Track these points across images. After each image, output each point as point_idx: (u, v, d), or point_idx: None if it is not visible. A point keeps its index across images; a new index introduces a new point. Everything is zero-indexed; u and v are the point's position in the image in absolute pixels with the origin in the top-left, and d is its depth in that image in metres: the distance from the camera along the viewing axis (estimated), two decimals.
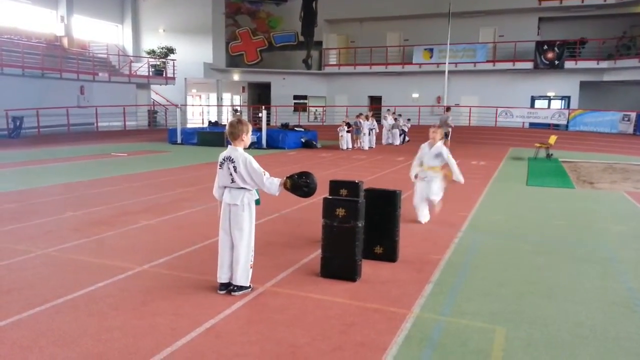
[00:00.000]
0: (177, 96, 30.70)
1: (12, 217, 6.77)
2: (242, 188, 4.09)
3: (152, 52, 28.70)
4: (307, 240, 5.82)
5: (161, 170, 12.21)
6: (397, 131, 22.64)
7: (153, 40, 30.58)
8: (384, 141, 22.50)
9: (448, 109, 22.01)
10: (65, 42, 26.98)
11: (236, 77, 32.20)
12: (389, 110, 24.92)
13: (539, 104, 27.99)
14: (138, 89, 28.21)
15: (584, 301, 4.14)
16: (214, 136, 19.38)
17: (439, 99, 29.08)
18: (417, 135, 24.33)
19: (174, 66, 28.99)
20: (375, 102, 31.14)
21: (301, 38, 31.96)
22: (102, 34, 30.50)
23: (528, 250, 5.70)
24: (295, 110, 31.75)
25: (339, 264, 4.50)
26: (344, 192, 5.47)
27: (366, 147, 19.83)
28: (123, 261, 4.88)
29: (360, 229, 4.46)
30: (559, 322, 3.71)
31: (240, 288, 4.06)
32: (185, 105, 31.11)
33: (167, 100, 30.19)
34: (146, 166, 12.96)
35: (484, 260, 5.27)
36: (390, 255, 5.07)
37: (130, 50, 31.56)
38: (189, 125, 28.04)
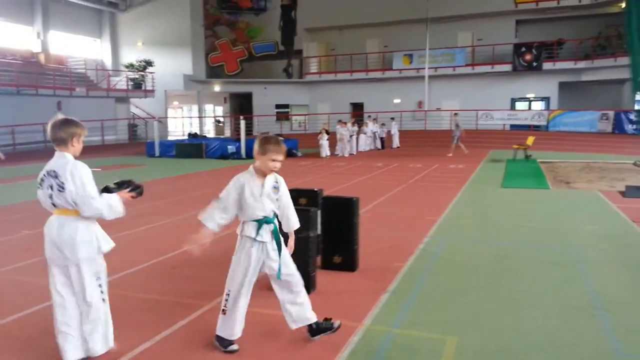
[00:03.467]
0: (157, 109, 30.42)
1: None
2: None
3: (130, 66, 28.45)
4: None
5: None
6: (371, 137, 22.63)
7: (132, 54, 30.35)
8: (364, 147, 22.43)
9: (456, 113, 22.06)
10: (42, 58, 26.66)
11: (217, 88, 32.02)
12: (369, 116, 24.90)
13: (519, 105, 28.13)
14: (117, 102, 27.91)
15: (542, 306, 4.00)
16: (192, 148, 19.17)
17: (420, 103, 29.15)
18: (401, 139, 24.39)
19: (152, 79, 28.75)
20: (357, 109, 31.12)
21: (281, 47, 31.94)
22: (80, 48, 30.21)
23: (493, 254, 5.56)
24: (278, 119, 31.62)
25: None
26: (303, 200, 5.36)
27: (346, 154, 19.71)
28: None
29: (313, 239, 4.29)
30: (514, 330, 3.56)
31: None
32: (166, 117, 30.86)
33: (148, 114, 29.91)
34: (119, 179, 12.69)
35: (447, 266, 5.12)
36: (349, 264, 4.90)
37: (109, 64, 31.28)
38: (170, 138, 27.79)
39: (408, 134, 26.01)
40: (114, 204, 3.13)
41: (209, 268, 5.07)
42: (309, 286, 4.27)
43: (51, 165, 3.04)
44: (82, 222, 3.05)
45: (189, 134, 23.18)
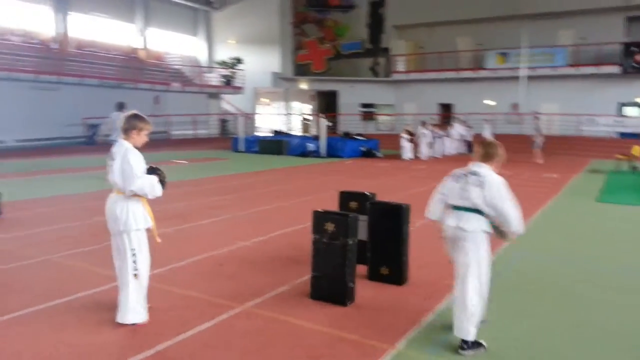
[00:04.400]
0: (247, 105, 31.41)
1: (41, 221, 6.95)
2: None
3: (222, 63, 29.56)
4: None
5: (210, 178, 12.29)
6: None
7: (224, 51, 31.55)
8: (450, 151, 21.49)
9: (537, 117, 20.67)
10: (142, 53, 28.47)
11: (303, 85, 32.37)
12: (456, 118, 23.85)
13: (628, 111, 25.52)
14: (209, 98, 29.13)
15: (616, 345, 3.40)
16: (273, 144, 19.44)
17: (515, 106, 27.46)
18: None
19: (242, 76, 29.66)
20: (445, 110, 30.01)
21: (368, 45, 31.55)
22: (177, 45, 31.90)
23: (571, 276, 4.92)
24: (363, 118, 31.33)
25: (328, 285, 4.06)
26: (353, 204, 5.08)
27: (428, 157, 18.93)
28: (110, 269, 4.74)
29: (351, 247, 3.99)
30: None
31: None
32: (254, 114, 31.72)
33: (237, 109, 30.93)
34: (198, 173, 13.12)
35: (512, 285, 4.59)
36: (396, 277, 4.53)
37: (203, 61, 32.75)
38: (257, 134, 28.52)
39: (500, 138, 24.27)
40: (155, 184, 3.53)
41: (252, 268, 4.94)
42: (346, 298, 3.99)
43: (112, 150, 3.56)
44: (124, 201, 3.50)
45: (273, 131, 23.55)
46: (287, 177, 12.85)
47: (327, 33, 31.83)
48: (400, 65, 31.29)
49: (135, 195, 3.51)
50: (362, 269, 4.70)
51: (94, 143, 21.81)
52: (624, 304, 4.20)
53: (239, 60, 29.62)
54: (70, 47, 24.84)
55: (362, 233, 4.75)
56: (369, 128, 30.51)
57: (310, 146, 18.57)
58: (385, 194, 9.61)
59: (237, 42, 31.84)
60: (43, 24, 24.51)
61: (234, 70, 29.68)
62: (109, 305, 3.87)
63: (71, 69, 22.68)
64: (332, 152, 18.65)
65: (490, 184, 3.18)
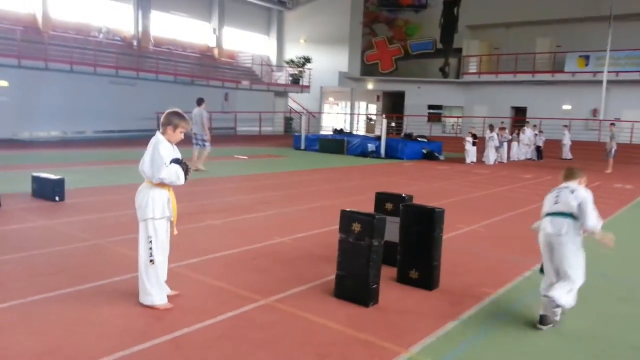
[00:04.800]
0: (313, 104, 31.74)
1: (103, 207, 7.42)
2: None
3: (290, 62, 30.06)
4: None
5: (265, 174, 12.56)
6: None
7: (294, 51, 32.07)
8: (518, 156, 20.61)
9: (613, 124, 19.38)
10: (216, 52, 29.54)
11: (370, 85, 32.24)
12: (528, 122, 22.82)
13: None
14: (276, 96, 29.73)
15: None
16: (333, 143, 19.53)
17: (594, 111, 25.85)
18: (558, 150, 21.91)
19: (309, 75, 30.01)
20: (519, 114, 28.79)
21: (439, 45, 30.87)
22: (249, 44, 32.81)
23: (615, 294, 4.59)
24: (429, 120, 30.72)
25: (352, 285, 4.04)
26: (389, 205, 5.03)
27: (492, 162, 18.25)
28: None
29: (376, 249, 3.95)
30: None
31: None
32: (320, 113, 32.00)
33: (303, 108, 31.35)
34: (255, 169, 13.46)
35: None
36: (426, 281, 4.43)
37: (274, 59, 33.46)
38: (322, 132, 28.78)
39: (578, 145, 23.23)
40: (180, 173, 3.69)
41: (284, 264, 5.01)
42: (368, 299, 3.96)
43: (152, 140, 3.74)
44: (147, 189, 3.70)
45: (334, 130, 23.64)
46: (341, 176, 12.87)
47: (396, 32, 31.49)
48: (473, 66, 30.36)
49: (161, 185, 3.68)
50: (392, 272, 4.66)
51: None
52: None
53: (307, 60, 30.00)
54: (150, 44, 26.24)
55: (394, 235, 4.72)
56: (436, 130, 29.89)
57: (370, 146, 18.47)
58: (436, 198, 9.42)
59: (307, 41, 32.28)
60: (125, 22, 26.06)
61: (301, 69, 30.10)
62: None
63: (149, 66, 23.96)
64: (392, 153, 18.44)
65: (579, 190, 3.77)
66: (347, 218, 4.08)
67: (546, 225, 3.79)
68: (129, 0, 25.88)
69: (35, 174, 8.06)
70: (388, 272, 4.68)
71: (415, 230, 4.48)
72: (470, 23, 30.06)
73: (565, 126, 22.03)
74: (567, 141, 21.23)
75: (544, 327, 3.68)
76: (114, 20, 25.57)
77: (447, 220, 7.35)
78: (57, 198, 7.59)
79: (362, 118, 35.43)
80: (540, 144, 20.82)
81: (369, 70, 31.82)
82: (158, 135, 3.74)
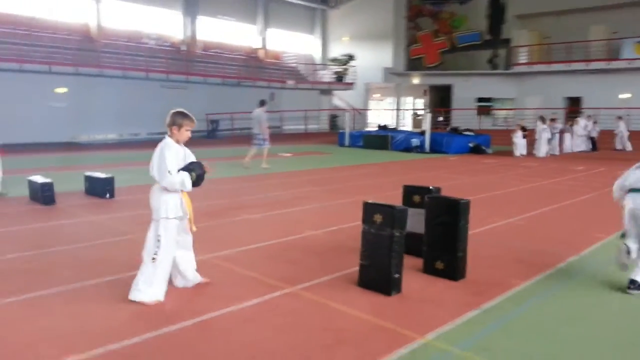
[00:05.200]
0: (358, 101, 31.74)
1: (145, 205, 7.80)
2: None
3: (334, 60, 30.20)
4: None
5: (307, 170, 12.76)
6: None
7: (338, 49, 32.19)
8: (571, 148, 19.87)
9: None
10: (261, 53, 30.10)
11: (415, 80, 31.89)
12: (582, 113, 21.93)
13: None
14: (321, 94, 29.96)
15: None
16: (377, 139, 19.50)
17: None
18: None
19: (354, 72, 30.05)
20: (573, 104, 27.69)
21: (487, 37, 30.12)
22: (294, 44, 33.20)
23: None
24: (478, 113, 30.06)
25: (374, 274, 4.13)
26: (416, 198, 5.08)
27: (540, 154, 17.67)
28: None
29: (398, 239, 4.01)
30: None
31: None
32: (365, 109, 31.96)
33: (349, 105, 31.42)
34: (298, 166, 13.69)
35: (575, 292, 4.27)
36: (451, 272, 4.45)
37: (317, 58, 33.71)
38: (368, 129, 28.77)
39: (636, 135, 22.17)
40: (185, 181, 3.77)
41: (314, 255, 5.15)
42: (390, 288, 4.04)
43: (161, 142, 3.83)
44: (159, 191, 3.81)
45: (378, 126, 23.59)
46: (382, 171, 12.89)
47: (442, 25, 31.00)
48: (523, 56, 29.44)
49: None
50: (419, 262, 4.71)
51: (215, 137, 23.66)
52: None
53: (351, 57, 30.06)
54: (198, 48, 27.09)
55: (420, 227, 4.77)
56: (486, 124, 29.22)
57: (414, 141, 18.31)
58: (478, 191, 9.31)
59: (351, 38, 32.30)
60: (174, 28, 27.01)
61: (345, 67, 30.18)
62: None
63: (198, 69, 24.75)
64: (437, 148, 18.20)
65: None
66: (370, 209, 4.17)
67: (630, 201, 4.29)
68: (178, 7, 26.81)
69: (87, 173, 8.59)
70: (414, 263, 4.74)
71: (441, 222, 4.51)
72: (519, 12, 29.19)
73: (620, 117, 20.99)
74: (622, 131, 20.23)
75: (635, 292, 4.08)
76: (164, 26, 26.56)
77: (485, 212, 7.33)
78: (107, 195, 8.06)
79: (409, 113, 35.09)
80: (595, 134, 19.94)
81: (413, 65, 31.50)
82: (166, 138, 3.82)
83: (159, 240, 3.76)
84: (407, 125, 33.27)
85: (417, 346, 3.20)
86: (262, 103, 12.80)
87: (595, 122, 20.27)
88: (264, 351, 3.09)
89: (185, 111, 3.87)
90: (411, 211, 5.07)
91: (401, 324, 3.52)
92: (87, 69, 20.44)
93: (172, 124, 3.81)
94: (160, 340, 3.23)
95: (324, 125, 29.79)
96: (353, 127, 28.43)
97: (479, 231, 6.34)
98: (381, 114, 36.57)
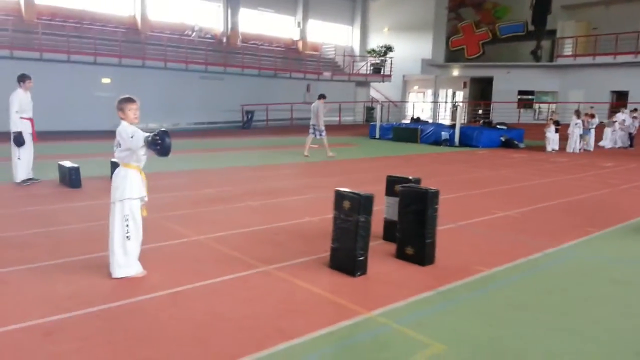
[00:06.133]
0: (396, 93, 31.67)
1: (167, 188, 8.38)
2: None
3: (372, 51, 30.21)
4: None
5: (327, 162, 13.08)
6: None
7: (378, 40, 32.15)
8: (607, 144, 19.30)
9: None
10: (300, 45, 30.49)
11: (455, 72, 31.48)
12: (622, 107, 21.16)
13: None
14: (357, 86, 30.08)
15: (597, 346, 3.24)
16: (407, 132, 19.54)
17: None
18: None
19: (391, 64, 29.97)
20: (620, 99, 26.65)
21: (531, 27, 29.32)
22: (334, 36, 33.40)
23: (614, 277, 4.54)
24: (519, 106, 29.41)
25: (343, 256, 4.44)
26: (397, 188, 5.33)
27: (576, 150, 17.28)
28: (189, 230, 5.72)
29: (363, 224, 4.31)
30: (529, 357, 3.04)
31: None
32: (403, 102, 31.83)
33: (386, 97, 31.40)
34: (320, 157, 14.01)
35: (536, 281, 4.43)
36: (419, 257, 4.70)
37: (357, 50, 33.78)
38: (404, 122, 28.73)
39: None
40: (141, 136, 4.05)
41: (301, 239, 5.50)
42: (355, 269, 4.35)
43: (117, 129, 4.16)
44: (123, 172, 4.15)
45: (411, 118, 23.55)
46: (402, 164, 13.04)
47: (484, 16, 30.43)
48: (568, 48, 28.53)
49: (135, 167, 4.18)
50: (393, 248, 4.98)
51: (249, 127, 24.32)
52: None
53: (389, 49, 29.99)
54: (238, 40, 27.77)
55: (394, 214, 5.05)
56: (526, 117, 28.58)
57: (444, 134, 18.25)
58: (488, 185, 9.39)
59: (390, 29, 32.19)
60: (216, 20, 27.78)
61: (383, 58, 30.15)
62: (168, 255, 4.81)
63: (236, 61, 25.43)
64: (467, 141, 18.08)
65: None
66: (340, 197, 4.48)
67: None
68: (219, 0, 27.55)
69: (113, 159, 9.22)
70: (391, 249, 5.02)
71: (411, 210, 4.76)
72: (565, 3, 28.32)
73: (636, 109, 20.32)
74: None
75: None
76: (206, 19, 27.37)
77: (485, 205, 7.49)
78: None
79: (449, 106, 34.67)
80: (632, 130, 19.24)
81: (454, 56, 31.10)
82: (122, 122, 4.18)
83: (127, 219, 4.12)
84: (447, 118, 32.91)
85: (360, 320, 3.50)
86: (320, 96, 13.81)
87: (635, 117, 19.53)
88: (220, 318, 3.48)
89: (126, 96, 4.27)
90: (392, 200, 5.39)
91: (354, 300, 3.83)
92: (130, 60, 21.45)
93: (118, 109, 4.20)
94: (136, 305, 3.68)
95: (359, 117, 29.93)
96: (388, 120, 28.53)
97: (474, 222, 6.53)
98: (420, 106, 36.31)
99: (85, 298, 3.75)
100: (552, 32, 28.75)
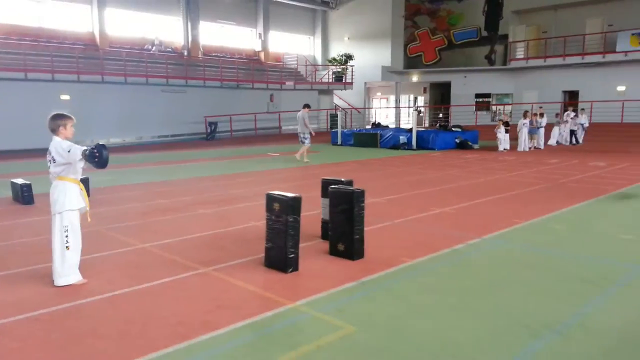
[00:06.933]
0: (358, 100, 32.28)
1: (118, 201, 8.57)
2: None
3: (333, 60, 30.80)
4: (305, 236, 6.05)
5: (285, 169, 13.42)
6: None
7: (339, 49, 32.78)
8: (559, 141, 20.24)
9: None
10: (262, 55, 30.84)
11: (415, 78, 32.32)
12: (569, 107, 22.26)
13: None
14: (320, 94, 30.56)
15: (500, 323, 3.64)
16: (367, 137, 20.05)
17: None
18: (616, 134, 21.30)
19: (352, 72, 30.59)
20: (572, 98, 27.85)
21: (484, 33, 30.38)
22: (295, 45, 33.88)
23: (528, 263, 5.00)
24: (477, 109, 30.40)
25: (275, 255, 4.77)
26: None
27: (520, 149, 18.14)
28: (134, 239, 5.95)
29: (292, 224, 4.65)
30: (428, 339, 3.41)
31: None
32: (365, 108, 32.46)
33: (348, 104, 31.98)
34: (278, 165, 14.35)
35: (454, 269, 4.84)
36: (349, 253, 5.07)
37: (319, 59, 34.33)
38: (366, 127, 29.31)
39: (629, 128, 22.37)
40: (78, 150, 4.28)
41: (242, 243, 5.79)
42: (287, 266, 4.68)
43: (50, 146, 4.36)
44: (61, 185, 4.33)
45: (372, 124, 24.13)
46: (358, 168, 13.46)
47: (439, 23, 31.35)
48: (520, 52, 29.65)
49: (72, 180, 4.35)
50: (327, 245, 5.33)
51: (213, 138, 24.48)
52: (566, 290, 4.26)
53: (349, 57, 30.63)
54: (199, 53, 27.94)
55: (326, 213, 5.42)
56: (483, 119, 29.55)
57: (402, 139, 18.83)
58: (434, 184, 9.88)
59: (350, 38, 32.87)
60: (176, 33, 27.89)
61: (344, 67, 30.76)
62: (110, 263, 5.05)
63: (197, 73, 25.59)
64: (424, 144, 18.70)
65: None
66: (270, 199, 4.81)
67: None
68: (179, 13, 27.70)
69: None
70: (325, 246, 5.38)
71: (341, 209, 5.12)
72: (516, 8, 29.42)
73: (582, 109, 21.80)
74: (583, 122, 20.82)
75: None
76: (166, 32, 27.46)
77: (425, 203, 7.93)
78: None
79: (410, 111, 35.49)
80: (574, 127, 20.24)
81: (412, 63, 31.93)
82: (55, 139, 4.33)
83: (66, 230, 4.32)
84: (410, 122, 33.65)
85: (283, 310, 3.83)
86: (305, 106, 14.73)
87: (576, 115, 20.54)
88: (150, 316, 3.75)
89: (60, 112, 4.44)
90: (327, 201, 5.74)
91: (281, 294, 4.16)
92: (89, 76, 21.39)
93: (59, 125, 4.34)
94: (74, 308, 3.92)
95: (322, 124, 30.39)
96: (351, 126, 29.10)
97: (410, 219, 6.95)
98: (385, 112, 37.03)
99: (28, 304, 3.97)
100: (505, 37, 29.83)
